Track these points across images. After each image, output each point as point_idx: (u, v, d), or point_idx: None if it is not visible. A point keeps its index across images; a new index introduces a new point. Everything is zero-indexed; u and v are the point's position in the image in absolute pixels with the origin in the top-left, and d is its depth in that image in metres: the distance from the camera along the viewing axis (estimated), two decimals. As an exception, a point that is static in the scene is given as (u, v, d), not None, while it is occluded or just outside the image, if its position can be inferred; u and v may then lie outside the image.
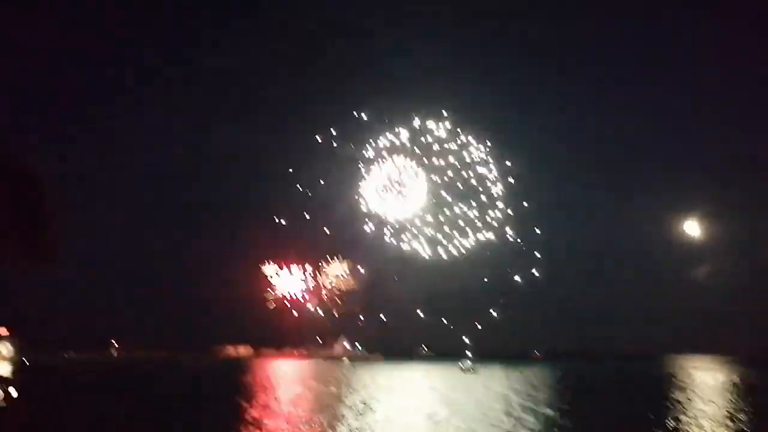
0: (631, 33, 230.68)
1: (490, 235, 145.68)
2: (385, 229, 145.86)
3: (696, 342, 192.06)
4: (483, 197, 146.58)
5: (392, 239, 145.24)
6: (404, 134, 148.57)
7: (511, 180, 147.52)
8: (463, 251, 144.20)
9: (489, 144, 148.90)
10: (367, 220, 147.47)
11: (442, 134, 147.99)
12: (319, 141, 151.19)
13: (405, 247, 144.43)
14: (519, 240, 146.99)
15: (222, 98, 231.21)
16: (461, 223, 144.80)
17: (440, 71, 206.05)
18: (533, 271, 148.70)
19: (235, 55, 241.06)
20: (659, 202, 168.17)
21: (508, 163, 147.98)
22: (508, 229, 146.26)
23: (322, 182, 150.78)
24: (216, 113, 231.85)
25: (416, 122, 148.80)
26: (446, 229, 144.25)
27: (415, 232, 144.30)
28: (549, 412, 46.42)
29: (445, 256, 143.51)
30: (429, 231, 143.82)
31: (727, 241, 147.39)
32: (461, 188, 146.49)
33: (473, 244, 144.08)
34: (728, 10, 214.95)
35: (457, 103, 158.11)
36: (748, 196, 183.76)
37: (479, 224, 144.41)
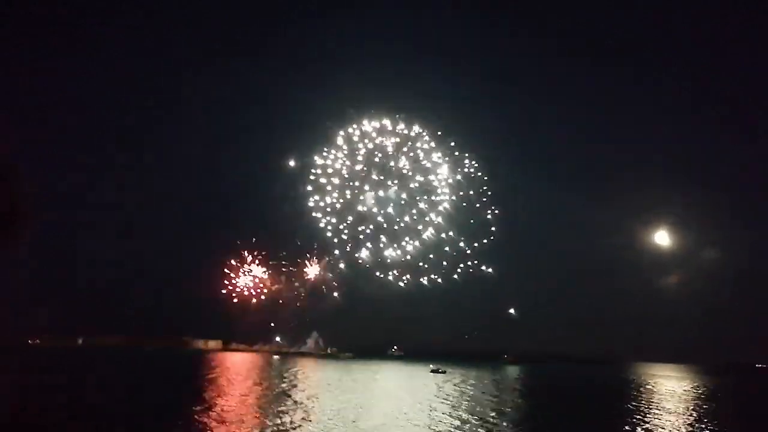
0: (604, 46, 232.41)
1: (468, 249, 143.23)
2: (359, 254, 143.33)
3: (662, 350, 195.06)
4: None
5: (369, 266, 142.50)
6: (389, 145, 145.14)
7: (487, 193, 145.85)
8: (448, 278, 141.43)
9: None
10: (335, 240, 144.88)
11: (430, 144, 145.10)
12: (292, 165, 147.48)
13: (381, 275, 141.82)
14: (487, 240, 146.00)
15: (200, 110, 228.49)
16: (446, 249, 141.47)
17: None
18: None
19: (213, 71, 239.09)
20: (631, 212, 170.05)
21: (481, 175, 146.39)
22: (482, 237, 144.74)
23: (296, 195, 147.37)
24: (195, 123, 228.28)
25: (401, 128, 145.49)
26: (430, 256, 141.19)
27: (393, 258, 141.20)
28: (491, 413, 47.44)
29: (426, 283, 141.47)
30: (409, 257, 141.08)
31: (695, 252, 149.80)
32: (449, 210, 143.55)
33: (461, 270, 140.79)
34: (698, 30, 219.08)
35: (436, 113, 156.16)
36: (718, 208, 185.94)
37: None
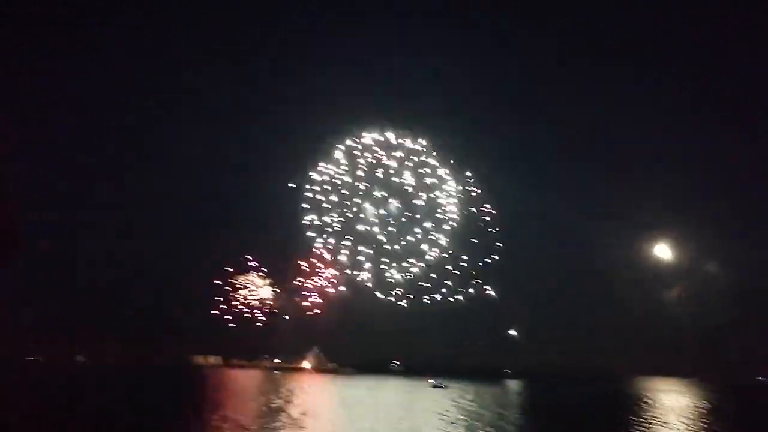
0: (604, 46, 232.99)
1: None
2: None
3: (664, 364, 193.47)
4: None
5: (370, 287, 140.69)
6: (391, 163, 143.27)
7: (485, 206, 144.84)
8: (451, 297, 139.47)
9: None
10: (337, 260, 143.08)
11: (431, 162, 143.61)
12: (294, 186, 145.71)
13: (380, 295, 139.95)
14: (491, 260, 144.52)
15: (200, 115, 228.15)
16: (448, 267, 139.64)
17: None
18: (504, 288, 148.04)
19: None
20: (632, 224, 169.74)
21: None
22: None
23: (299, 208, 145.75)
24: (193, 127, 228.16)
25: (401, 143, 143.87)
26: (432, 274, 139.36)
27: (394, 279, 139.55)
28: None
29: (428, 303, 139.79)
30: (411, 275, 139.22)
31: (696, 265, 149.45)
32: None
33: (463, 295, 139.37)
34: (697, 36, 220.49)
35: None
36: (722, 219, 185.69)
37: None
